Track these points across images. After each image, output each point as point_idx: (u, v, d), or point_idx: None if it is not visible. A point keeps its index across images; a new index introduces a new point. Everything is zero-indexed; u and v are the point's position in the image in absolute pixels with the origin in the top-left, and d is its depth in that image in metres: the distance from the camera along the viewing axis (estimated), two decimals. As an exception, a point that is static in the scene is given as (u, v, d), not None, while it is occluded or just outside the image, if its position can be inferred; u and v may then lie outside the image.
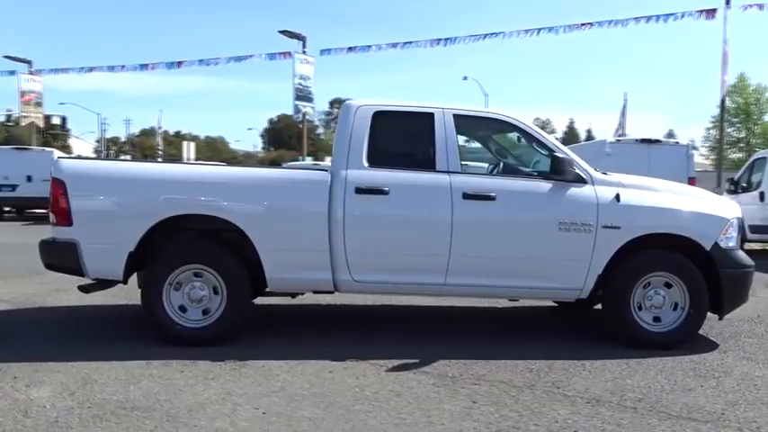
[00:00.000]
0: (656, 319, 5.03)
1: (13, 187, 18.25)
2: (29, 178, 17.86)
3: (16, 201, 18.80)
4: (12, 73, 25.08)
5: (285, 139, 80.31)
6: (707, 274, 5.01)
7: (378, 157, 4.93)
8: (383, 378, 4.12)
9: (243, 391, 3.82)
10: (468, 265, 4.89)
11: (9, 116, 28.09)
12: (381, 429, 3.30)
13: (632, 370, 4.40)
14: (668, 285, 5.02)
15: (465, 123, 5.17)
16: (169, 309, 4.75)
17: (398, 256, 4.87)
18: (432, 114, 5.03)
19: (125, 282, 4.89)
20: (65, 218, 4.70)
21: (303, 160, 32.76)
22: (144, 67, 23.15)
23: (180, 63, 22.37)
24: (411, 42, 20.00)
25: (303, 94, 20.15)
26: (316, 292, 5.21)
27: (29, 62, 25.64)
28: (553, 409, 3.61)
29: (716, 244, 4.99)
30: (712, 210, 5.08)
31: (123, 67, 23.73)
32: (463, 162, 5.14)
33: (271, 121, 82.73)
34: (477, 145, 6.40)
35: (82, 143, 74.04)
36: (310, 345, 4.87)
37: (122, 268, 4.73)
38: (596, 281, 4.95)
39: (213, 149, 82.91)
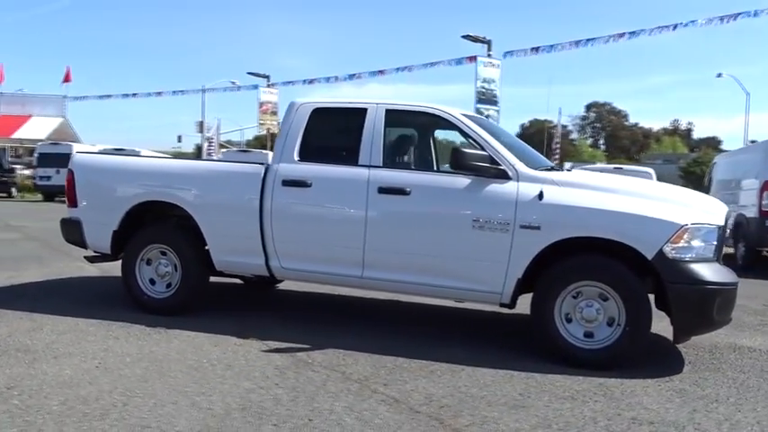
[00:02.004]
0: (590, 335, 4.47)
1: None
2: None
3: None
4: (255, 87, 29.38)
5: (536, 143, 79.61)
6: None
7: (308, 152, 5.17)
8: (245, 355, 4.40)
9: (120, 350, 4.42)
10: (383, 260, 4.88)
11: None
12: (156, 390, 3.63)
13: (504, 382, 4.05)
14: (604, 297, 4.43)
15: (397, 118, 5.13)
16: (140, 280, 5.57)
17: (319, 246, 5.05)
18: (365, 110, 5.11)
19: (114, 256, 5.82)
20: (73, 201, 5.79)
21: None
22: (352, 76, 25.34)
23: (382, 71, 24.02)
24: (593, 39, 18.75)
25: (486, 98, 20.12)
26: (257, 276, 5.61)
27: (267, 77, 29.73)
28: (335, 401, 3.58)
29: (660, 252, 4.26)
30: (659, 213, 4.34)
31: (336, 78, 26.22)
32: None
33: (522, 127, 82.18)
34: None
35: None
36: (244, 324, 5.26)
37: (109, 244, 5.67)
38: (516, 285, 4.58)
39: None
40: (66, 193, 5.88)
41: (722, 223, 4.49)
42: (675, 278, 4.26)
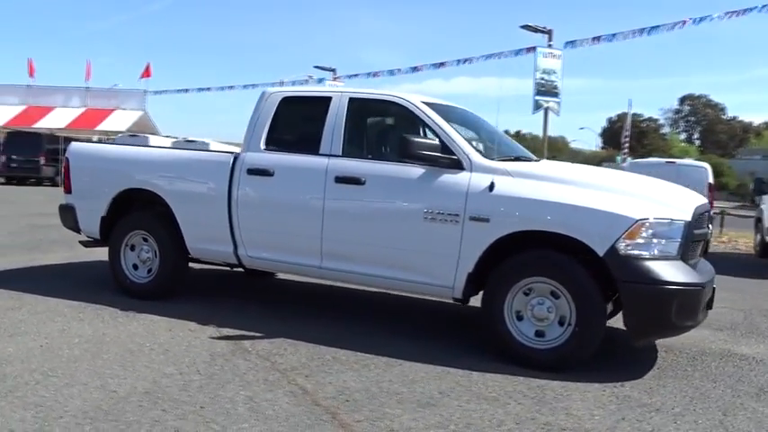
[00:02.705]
0: (541, 334, 4.23)
1: None
2: None
3: None
4: (320, 81, 29.64)
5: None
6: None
7: (274, 141, 5.16)
8: (190, 341, 4.44)
9: (75, 332, 4.56)
10: (339, 251, 4.81)
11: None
12: (76, 371, 3.72)
13: (434, 379, 3.91)
14: (556, 295, 4.18)
15: (359, 106, 5.02)
16: (124, 265, 5.75)
17: (280, 235, 5.04)
18: (329, 98, 5.04)
19: (104, 241, 6.02)
20: (68, 187, 6.05)
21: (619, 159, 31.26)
22: (414, 69, 25.10)
23: (443, 64, 23.64)
24: (656, 27, 17.55)
25: (546, 89, 19.37)
26: (227, 264, 5.66)
27: (333, 70, 30.00)
28: (242, 390, 3.56)
29: (613, 248, 3.97)
30: (614, 206, 4.03)
31: (400, 70, 26.01)
32: None
33: (610, 120, 79.21)
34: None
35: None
36: (217, 311, 5.32)
37: (98, 229, 5.88)
38: (466, 280, 4.40)
39: (554, 149, 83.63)
40: (64, 180, 6.15)
41: (689, 219, 4.12)
42: (628, 276, 3.96)
